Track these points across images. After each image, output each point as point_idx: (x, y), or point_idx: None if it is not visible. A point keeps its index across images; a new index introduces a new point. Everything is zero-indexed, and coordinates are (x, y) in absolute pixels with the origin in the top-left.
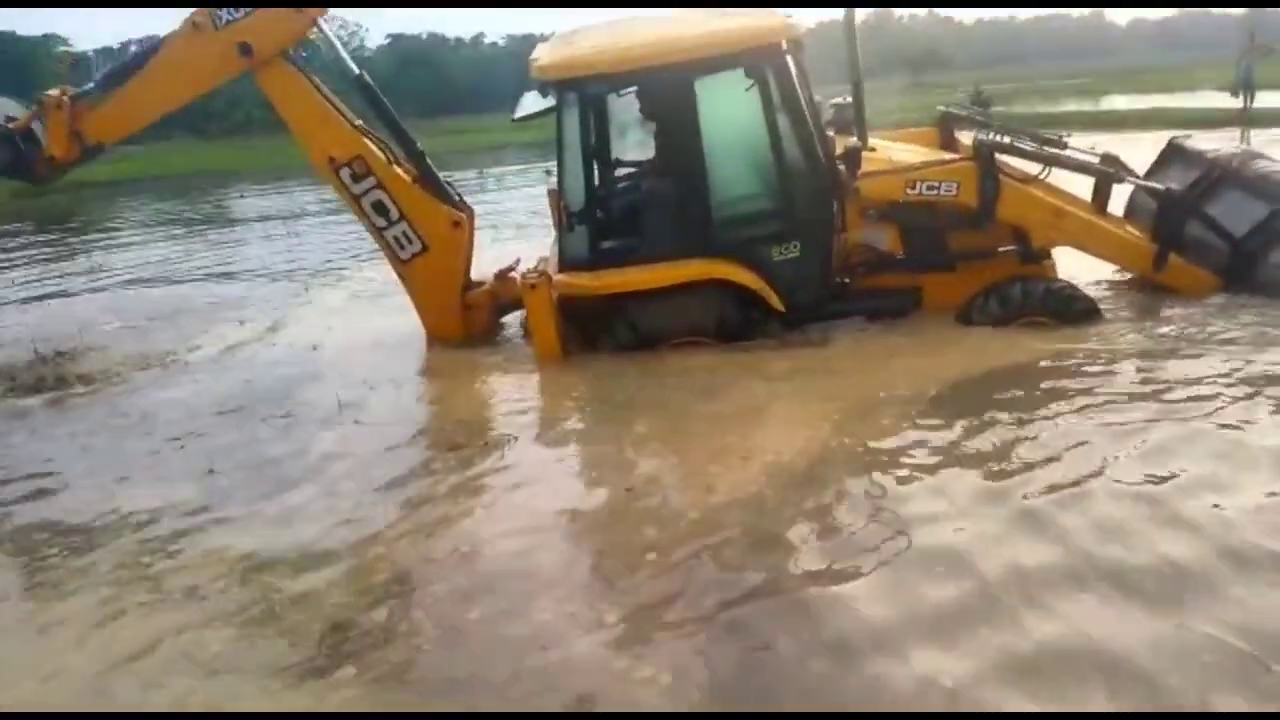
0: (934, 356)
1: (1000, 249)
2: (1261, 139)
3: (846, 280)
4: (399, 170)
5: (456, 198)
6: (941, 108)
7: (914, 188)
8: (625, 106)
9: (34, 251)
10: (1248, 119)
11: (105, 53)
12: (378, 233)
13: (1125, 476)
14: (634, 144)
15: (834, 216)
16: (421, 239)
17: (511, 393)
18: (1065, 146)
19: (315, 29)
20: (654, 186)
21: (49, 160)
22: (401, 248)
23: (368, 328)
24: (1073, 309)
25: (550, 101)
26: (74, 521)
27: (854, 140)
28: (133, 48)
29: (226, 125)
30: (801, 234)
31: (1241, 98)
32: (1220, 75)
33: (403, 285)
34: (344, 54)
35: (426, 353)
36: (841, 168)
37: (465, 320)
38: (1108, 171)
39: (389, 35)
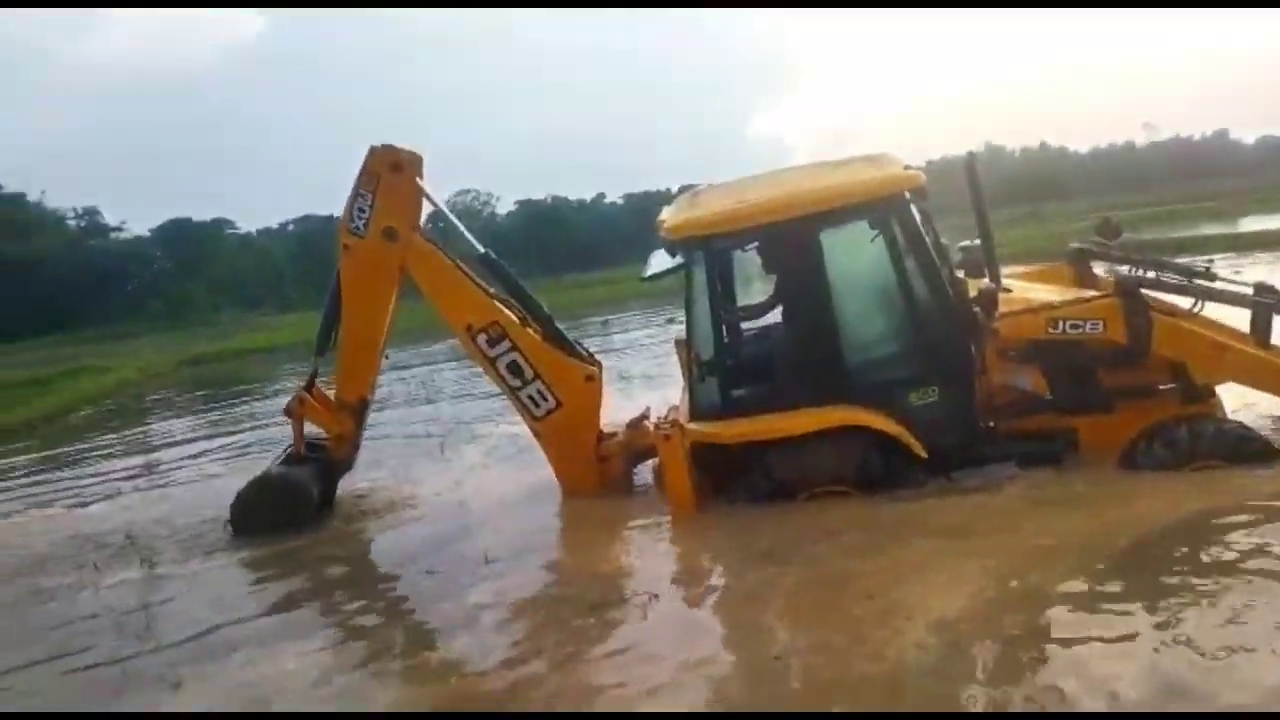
0: (1099, 508)
1: (1159, 387)
2: None
3: (993, 424)
4: (531, 332)
5: (586, 353)
6: (1075, 244)
7: (1056, 326)
8: (750, 258)
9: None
10: None
11: (264, 232)
12: (513, 393)
13: None
14: (759, 293)
15: (972, 358)
16: (555, 396)
17: (649, 546)
18: (1213, 276)
19: (433, 205)
20: (785, 335)
21: (339, 441)
22: (537, 405)
23: (506, 483)
24: (1247, 450)
25: (678, 260)
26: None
27: (987, 282)
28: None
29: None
30: (939, 377)
31: None
32: None
33: (538, 442)
34: (467, 234)
35: (563, 505)
36: (978, 310)
37: (599, 472)
38: (1266, 302)
39: (517, 201)
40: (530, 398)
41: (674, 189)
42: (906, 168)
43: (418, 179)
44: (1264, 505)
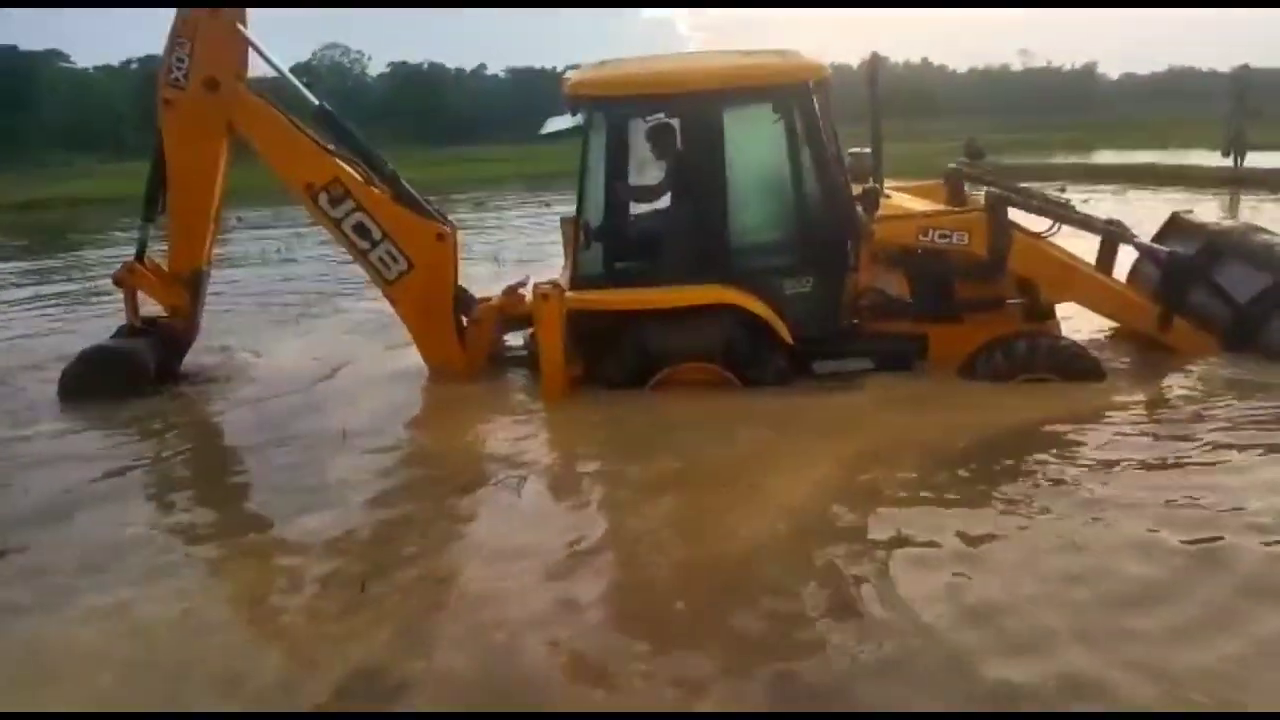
0: (945, 412)
1: (1007, 301)
2: (1252, 200)
3: (855, 322)
4: (376, 190)
5: (437, 213)
6: (951, 165)
7: (926, 234)
8: (643, 143)
9: (27, 265)
10: (1237, 179)
11: (103, 70)
12: (362, 256)
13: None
14: (649, 179)
15: (849, 255)
16: (406, 257)
17: (517, 430)
18: (1067, 205)
19: (261, 57)
20: (673, 211)
21: (174, 312)
22: (387, 268)
23: (366, 359)
24: (1077, 367)
25: (578, 120)
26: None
27: (871, 184)
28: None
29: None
30: (816, 269)
31: (1232, 158)
32: (1210, 134)
33: (394, 309)
34: (301, 87)
35: (427, 384)
36: (860, 209)
37: (469, 339)
38: (1115, 231)
39: (390, 63)
40: (380, 259)
41: (560, 68)
42: (816, 60)
43: (240, 25)
44: (1091, 415)
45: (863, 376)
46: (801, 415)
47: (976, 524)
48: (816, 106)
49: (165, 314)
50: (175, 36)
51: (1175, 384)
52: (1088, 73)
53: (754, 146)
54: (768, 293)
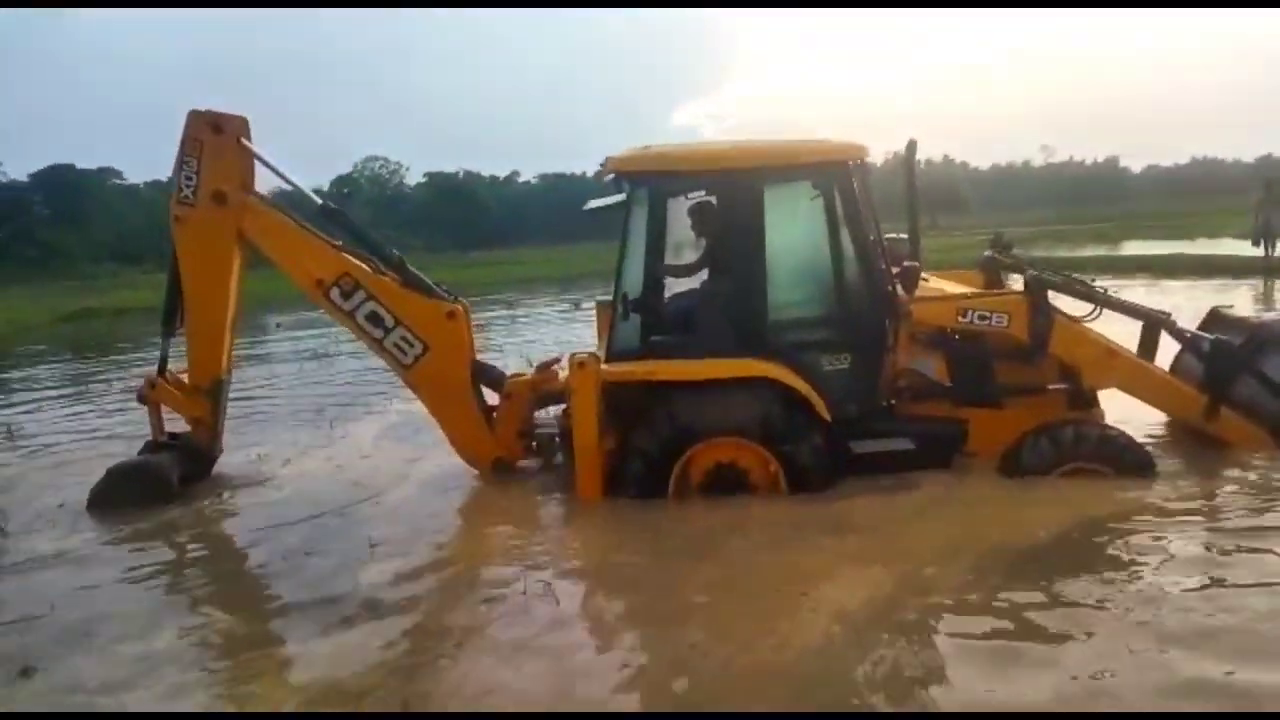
0: (999, 510)
1: (1049, 387)
2: None
3: (893, 402)
4: (385, 279)
5: (446, 292)
6: (987, 253)
7: (966, 315)
8: (682, 220)
9: (70, 369)
10: (1269, 268)
11: (152, 185)
12: (378, 345)
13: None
14: (686, 257)
15: (887, 334)
16: (421, 339)
17: (554, 539)
18: (1106, 292)
19: (265, 166)
20: (710, 286)
21: (197, 424)
22: (404, 353)
23: (397, 463)
24: (1128, 459)
25: (621, 196)
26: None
27: (910, 263)
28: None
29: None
30: (854, 347)
31: (1263, 246)
32: (1236, 222)
33: (417, 395)
34: (305, 189)
35: (459, 489)
36: (898, 288)
37: (501, 415)
38: (1158, 316)
39: (427, 173)
40: (396, 345)
41: (590, 173)
42: (857, 142)
43: (243, 139)
44: (1145, 514)
45: (912, 478)
46: (851, 518)
47: (1034, 628)
48: (856, 186)
49: (189, 426)
50: (182, 155)
51: (1227, 481)
52: (1111, 165)
53: (793, 223)
54: (805, 369)
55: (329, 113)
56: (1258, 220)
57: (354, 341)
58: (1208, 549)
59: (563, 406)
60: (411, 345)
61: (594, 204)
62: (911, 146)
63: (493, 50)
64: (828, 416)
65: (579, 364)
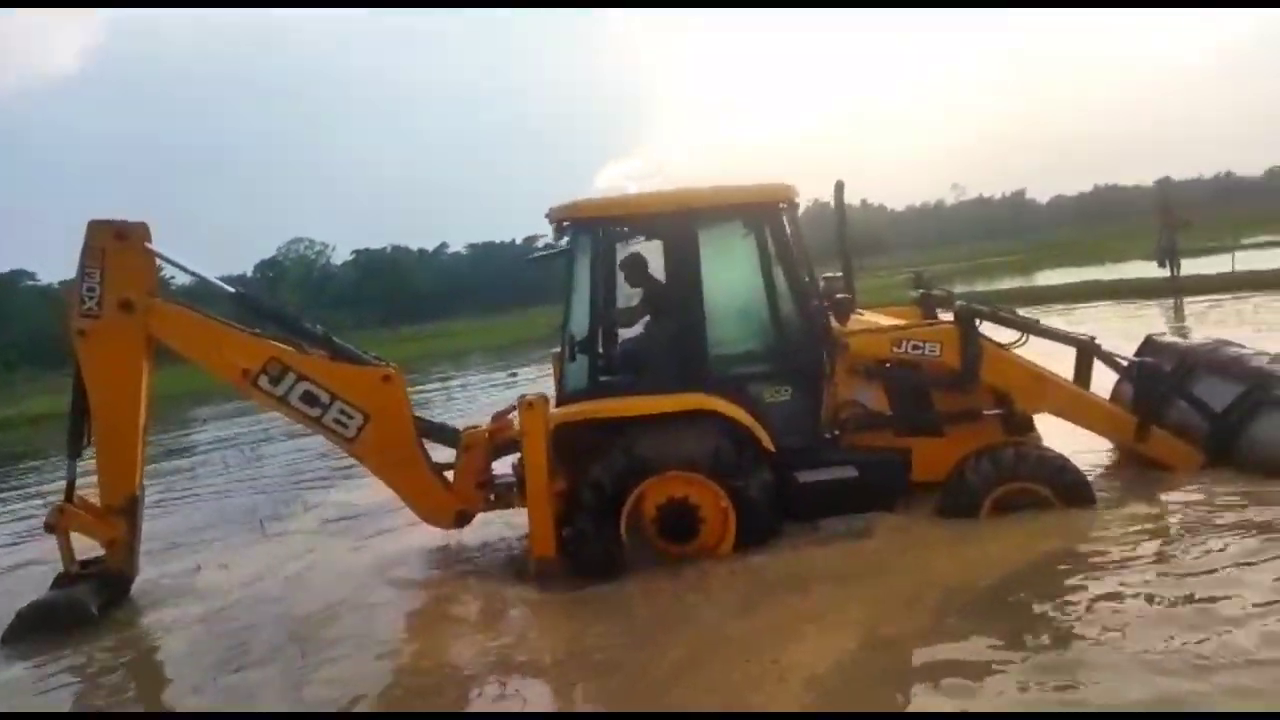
0: (957, 551)
1: (985, 412)
2: (1195, 307)
3: (837, 432)
4: (312, 357)
5: (375, 359)
6: (920, 290)
7: (900, 346)
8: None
9: None
10: (1177, 288)
11: (68, 283)
12: (317, 424)
13: None
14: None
15: (824, 364)
16: (359, 409)
17: (514, 626)
18: (1036, 322)
19: (163, 261)
20: (653, 326)
21: (112, 546)
22: (345, 426)
23: (338, 559)
24: (1065, 479)
25: (563, 244)
26: None
27: (842, 295)
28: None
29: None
30: (792, 378)
31: (1168, 267)
32: (1141, 245)
33: (366, 467)
34: (213, 279)
35: (408, 581)
36: (831, 319)
37: (461, 468)
38: (1083, 340)
39: (354, 251)
40: (336, 420)
41: (519, 240)
42: (786, 185)
43: (146, 243)
44: (1096, 542)
45: (865, 527)
46: (814, 571)
47: (999, 672)
48: (786, 225)
49: (103, 550)
50: (84, 266)
51: (1167, 502)
52: (1019, 199)
53: (728, 263)
54: (747, 401)
55: (250, 197)
56: (1160, 242)
57: (281, 429)
58: (1157, 574)
59: (518, 455)
60: (351, 417)
61: (537, 254)
62: (839, 187)
63: (414, 123)
64: (771, 447)
65: (528, 405)
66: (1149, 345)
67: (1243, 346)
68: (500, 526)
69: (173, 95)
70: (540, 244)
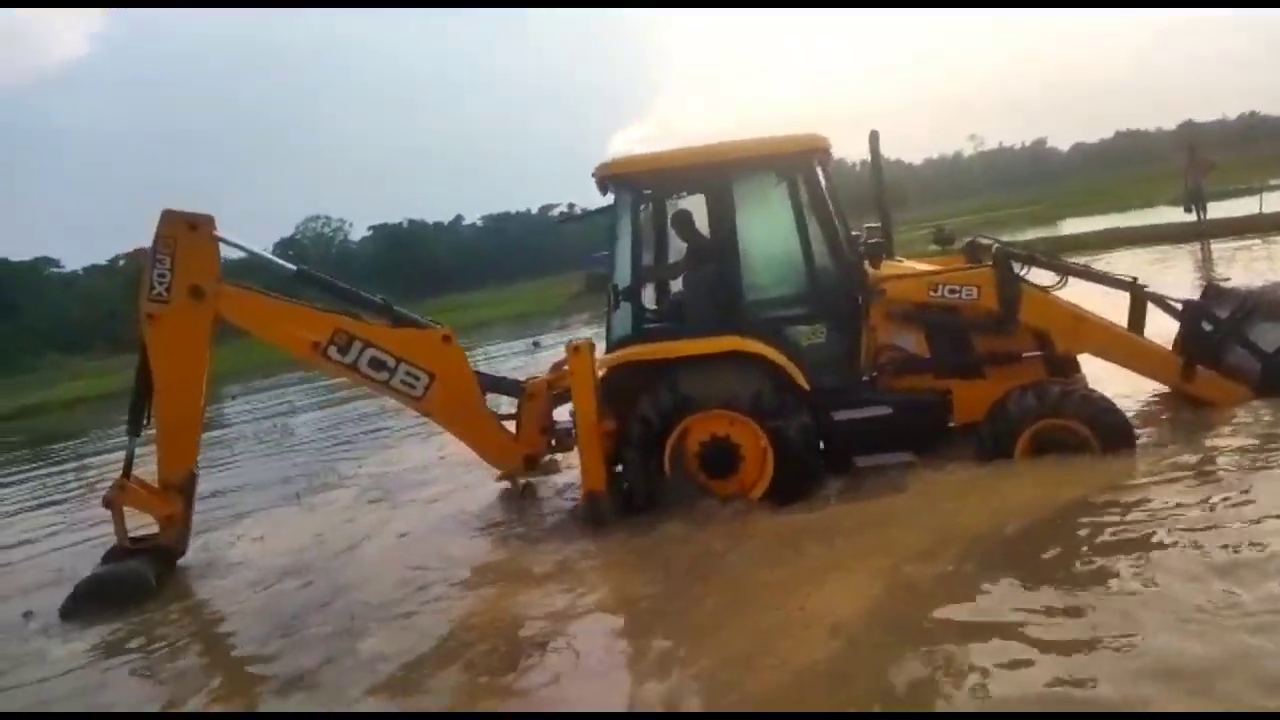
0: (985, 499)
1: (1026, 354)
2: (1221, 249)
3: (875, 375)
4: (375, 324)
5: (432, 322)
6: (969, 238)
7: (937, 290)
8: (664, 215)
9: (27, 469)
10: (1203, 232)
11: (92, 270)
12: (385, 387)
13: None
14: (671, 249)
15: (859, 307)
16: (425, 370)
17: (558, 585)
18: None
19: (228, 246)
20: (694, 273)
21: (168, 522)
22: (413, 387)
23: (374, 528)
24: (1107, 420)
25: (608, 200)
26: None
27: (876, 239)
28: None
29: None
30: (828, 320)
31: (1195, 212)
32: (1166, 190)
33: (436, 423)
34: (275, 259)
35: (446, 547)
36: (865, 264)
37: (524, 415)
38: (1129, 282)
39: (371, 227)
40: (403, 382)
41: (534, 210)
42: (818, 135)
43: (215, 232)
44: (1127, 488)
45: (897, 480)
46: (841, 524)
47: (1028, 614)
48: (818, 173)
49: (158, 526)
50: (155, 254)
51: (1210, 447)
52: (1039, 147)
53: (764, 211)
54: (783, 343)
55: (263, 178)
56: (1187, 186)
57: (318, 409)
58: (1188, 522)
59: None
60: (418, 378)
61: (567, 217)
62: (874, 137)
63: (428, 95)
64: (806, 386)
65: (574, 349)
66: (1210, 289)
67: None
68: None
69: (179, 79)
70: (556, 211)
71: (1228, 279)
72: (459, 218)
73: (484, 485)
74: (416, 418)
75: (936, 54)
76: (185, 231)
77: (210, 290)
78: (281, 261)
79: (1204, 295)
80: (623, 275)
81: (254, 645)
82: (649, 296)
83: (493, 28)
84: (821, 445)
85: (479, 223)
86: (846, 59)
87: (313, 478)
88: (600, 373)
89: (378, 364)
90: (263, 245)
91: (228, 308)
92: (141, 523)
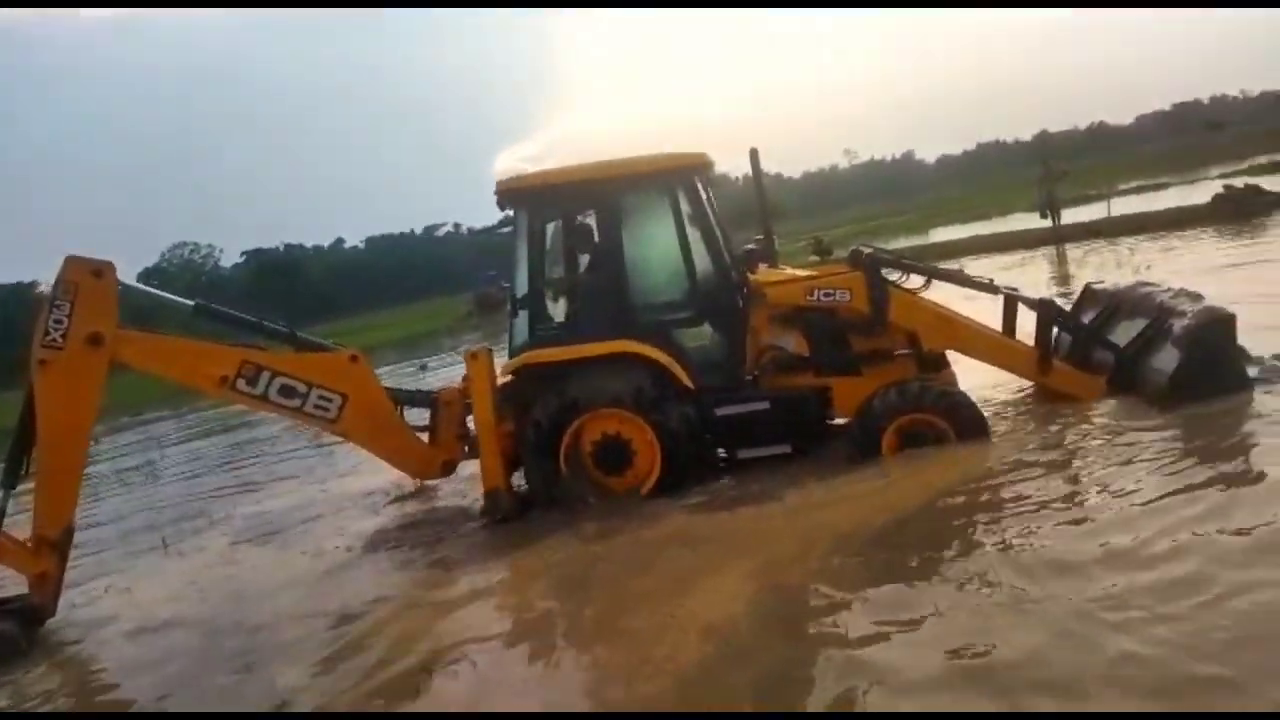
0: (856, 501)
1: (897, 352)
2: (1076, 253)
3: (757, 374)
4: (279, 353)
5: (336, 344)
6: (854, 246)
7: (813, 294)
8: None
9: None
10: (1058, 236)
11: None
12: (298, 413)
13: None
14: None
15: (739, 311)
16: (336, 392)
17: (453, 593)
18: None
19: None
20: (585, 281)
21: (40, 580)
22: (326, 410)
23: (252, 570)
24: (964, 414)
25: (506, 214)
26: None
27: (752, 247)
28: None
29: None
30: (712, 322)
31: (1049, 218)
32: (1024, 198)
33: (353, 443)
34: (172, 297)
35: (323, 583)
36: (743, 271)
37: (441, 422)
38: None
39: (244, 252)
40: (316, 406)
41: (419, 230)
42: (700, 153)
43: (117, 279)
44: (982, 475)
45: (775, 480)
46: (712, 531)
47: (892, 607)
48: (700, 187)
49: (28, 585)
50: (54, 298)
51: (1066, 439)
52: (908, 160)
53: (650, 223)
54: (669, 345)
55: (124, 203)
56: (1041, 194)
57: (183, 447)
58: (1042, 507)
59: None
60: (330, 400)
61: (488, 226)
62: (754, 154)
63: (302, 116)
64: (690, 385)
65: (472, 355)
66: (1087, 293)
67: (1156, 285)
68: (399, 517)
69: (33, 97)
70: (441, 231)
71: (1101, 281)
72: (339, 240)
73: (357, 520)
74: (288, 450)
75: (818, 68)
76: (88, 278)
77: (110, 336)
78: (178, 299)
79: (1080, 299)
80: (521, 285)
81: (151, 693)
82: (554, 307)
83: (373, 44)
84: (710, 442)
85: (361, 245)
86: (730, 75)
87: (180, 521)
88: (505, 379)
89: (289, 391)
90: (127, 277)
91: (129, 353)
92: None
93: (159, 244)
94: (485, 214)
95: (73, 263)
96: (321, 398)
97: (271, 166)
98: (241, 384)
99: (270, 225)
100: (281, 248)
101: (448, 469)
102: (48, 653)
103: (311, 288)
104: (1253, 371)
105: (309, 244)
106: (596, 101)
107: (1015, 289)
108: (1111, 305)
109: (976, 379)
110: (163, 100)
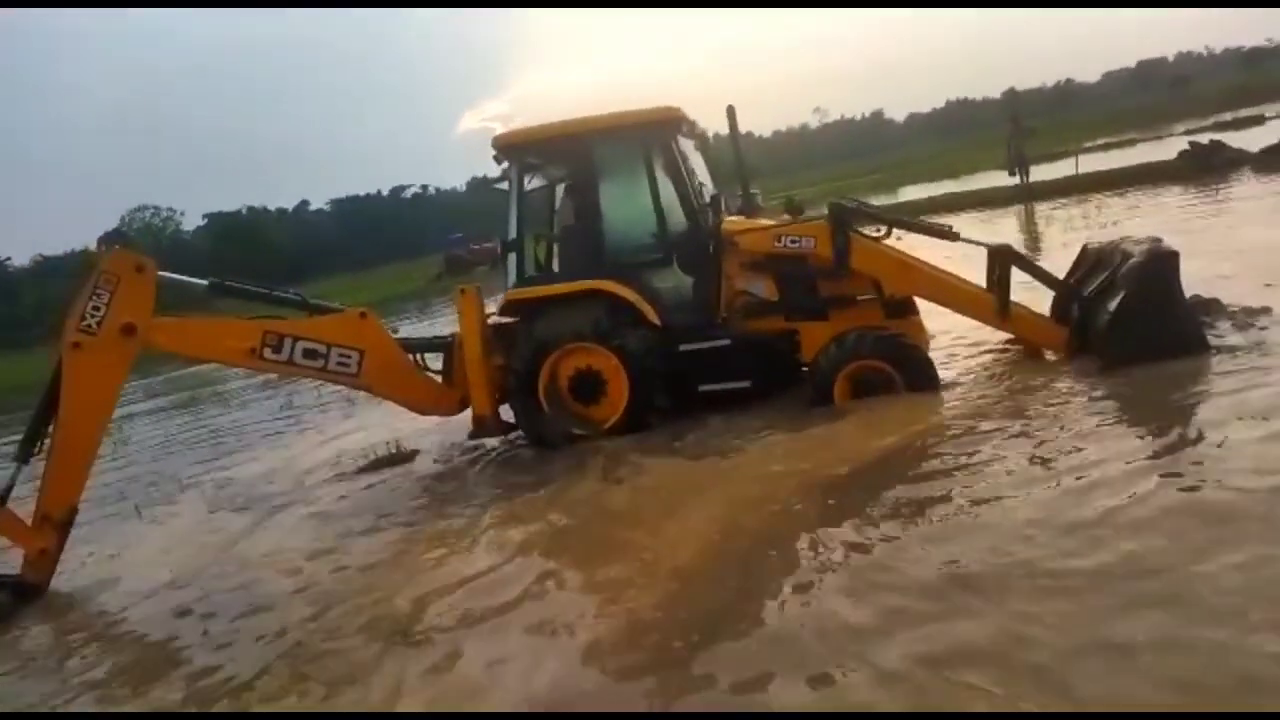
0: (815, 451)
1: (860, 297)
2: (1043, 209)
3: (724, 318)
4: (296, 319)
5: (342, 306)
6: (831, 200)
7: (780, 241)
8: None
9: None
10: (1027, 194)
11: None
12: (322, 373)
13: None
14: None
15: (708, 254)
16: (353, 348)
17: (432, 560)
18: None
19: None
20: (565, 226)
21: (40, 557)
22: (347, 366)
23: (227, 535)
24: (904, 355)
25: (505, 167)
26: None
27: (717, 193)
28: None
29: (43, 331)
30: (681, 266)
31: (1018, 176)
32: (993, 156)
33: (375, 394)
34: (185, 278)
35: (291, 541)
36: (711, 217)
37: (456, 362)
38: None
39: (206, 215)
40: (338, 365)
41: (385, 191)
42: (673, 108)
43: (158, 273)
44: (941, 425)
45: (738, 434)
46: (667, 483)
47: (849, 546)
48: (673, 139)
49: (28, 559)
50: (94, 286)
51: (1021, 386)
52: (878, 118)
53: (626, 173)
54: (637, 284)
55: (81, 166)
56: (1010, 152)
57: (152, 419)
58: (996, 452)
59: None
60: (350, 356)
61: (490, 180)
62: (731, 111)
63: (263, 74)
64: (657, 322)
65: (462, 291)
66: (1082, 253)
67: (1133, 239)
68: (380, 490)
69: None
70: (408, 193)
71: (1098, 242)
72: (304, 203)
73: (333, 485)
74: (265, 418)
75: (787, 26)
76: (131, 272)
77: (143, 326)
78: (193, 279)
79: (1079, 258)
80: (511, 231)
81: (143, 664)
82: (544, 252)
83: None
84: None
85: (326, 208)
86: (699, 37)
87: (150, 488)
88: (497, 318)
89: (311, 353)
90: (84, 242)
91: (162, 339)
92: None
93: (119, 206)
94: (451, 174)
95: (119, 255)
96: (341, 355)
97: (232, 128)
98: (268, 353)
99: (231, 187)
100: (244, 211)
101: (465, 404)
102: (53, 612)
103: (276, 251)
104: (1206, 320)
105: (273, 206)
106: (570, 61)
107: (972, 238)
108: (1094, 260)
109: (942, 323)
110: (125, 61)
